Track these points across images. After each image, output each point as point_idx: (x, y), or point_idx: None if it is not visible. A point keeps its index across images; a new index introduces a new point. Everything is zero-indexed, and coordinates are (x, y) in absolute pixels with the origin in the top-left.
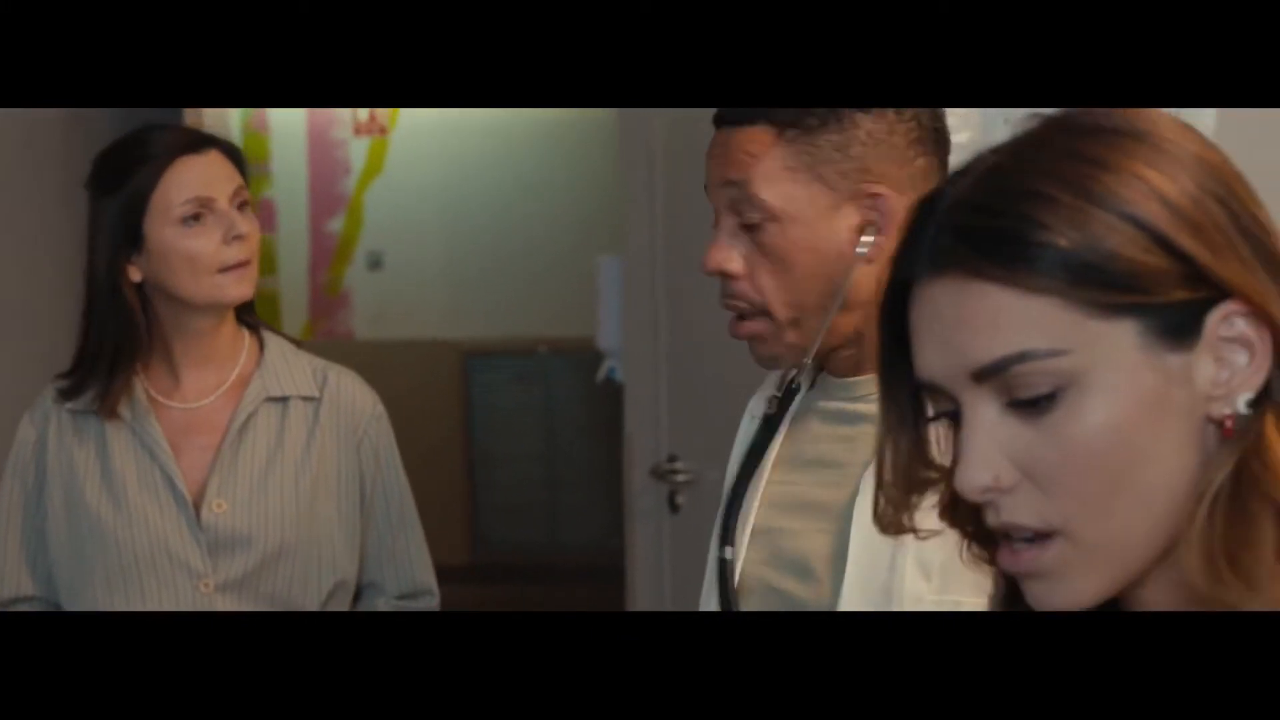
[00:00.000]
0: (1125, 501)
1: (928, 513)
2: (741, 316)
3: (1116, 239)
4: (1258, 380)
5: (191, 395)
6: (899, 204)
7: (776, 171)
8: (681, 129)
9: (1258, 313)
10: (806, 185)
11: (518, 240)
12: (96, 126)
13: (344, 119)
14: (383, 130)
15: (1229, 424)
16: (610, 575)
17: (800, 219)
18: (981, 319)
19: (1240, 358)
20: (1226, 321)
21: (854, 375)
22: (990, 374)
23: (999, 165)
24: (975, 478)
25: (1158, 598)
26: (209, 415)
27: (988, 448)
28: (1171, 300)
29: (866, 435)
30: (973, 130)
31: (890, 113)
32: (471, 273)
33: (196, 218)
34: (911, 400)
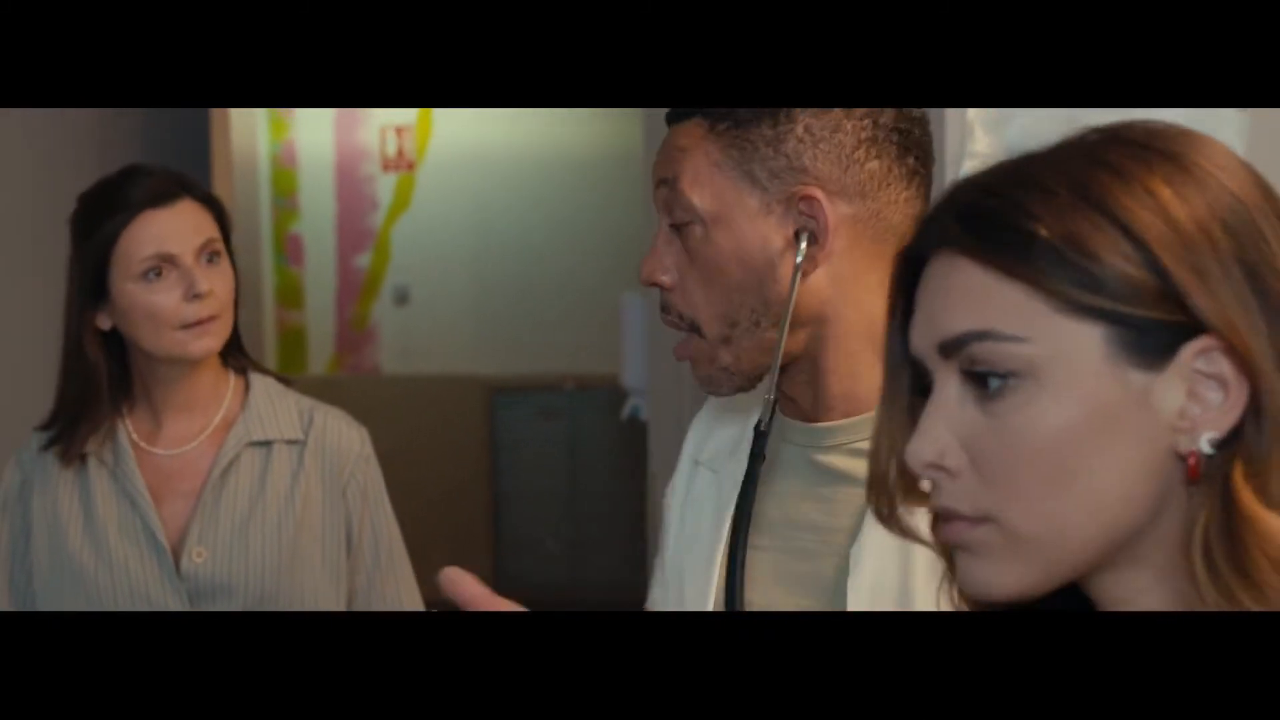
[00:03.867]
0: (1064, 504)
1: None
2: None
3: (1100, 241)
4: (1227, 422)
5: (174, 441)
6: (835, 210)
7: (705, 168)
8: None
9: (1238, 352)
10: (735, 184)
11: (544, 276)
12: (129, 128)
13: (372, 154)
14: (410, 166)
15: (1194, 463)
16: None
17: (727, 221)
18: (956, 294)
19: (1214, 395)
20: (1206, 356)
21: (820, 420)
22: (953, 348)
23: (1029, 155)
24: (922, 451)
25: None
26: (192, 461)
27: (941, 426)
28: (1144, 316)
29: (846, 497)
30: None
31: (838, 109)
32: (498, 308)
33: (157, 273)
34: (911, 383)
